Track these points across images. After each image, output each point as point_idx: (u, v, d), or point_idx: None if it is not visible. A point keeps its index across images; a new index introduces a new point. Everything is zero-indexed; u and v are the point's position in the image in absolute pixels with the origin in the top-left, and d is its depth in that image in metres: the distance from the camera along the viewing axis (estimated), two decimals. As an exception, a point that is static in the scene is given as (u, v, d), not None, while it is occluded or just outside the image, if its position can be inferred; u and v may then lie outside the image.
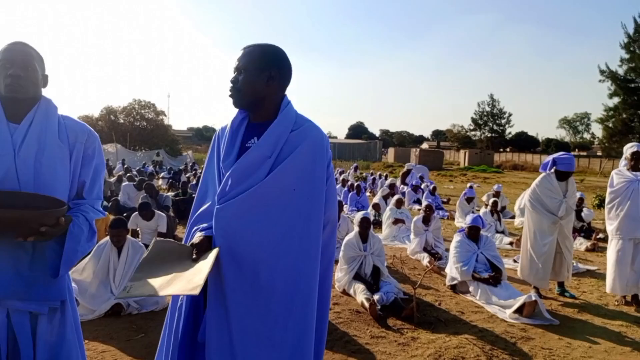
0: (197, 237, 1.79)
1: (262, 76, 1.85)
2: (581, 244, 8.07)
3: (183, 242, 1.89)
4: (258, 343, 1.75)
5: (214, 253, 1.68)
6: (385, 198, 10.90)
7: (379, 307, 4.46)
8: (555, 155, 5.34)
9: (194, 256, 1.71)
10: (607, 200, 5.13)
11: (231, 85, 1.87)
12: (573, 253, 5.51)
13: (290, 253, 1.79)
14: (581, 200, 9.03)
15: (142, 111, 36.97)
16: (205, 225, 1.85)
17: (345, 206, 11.75)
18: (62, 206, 1.65)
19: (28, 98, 1.77)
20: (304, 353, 1.80)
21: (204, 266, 1.61)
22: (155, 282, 1.59)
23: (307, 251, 1.82)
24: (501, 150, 55.23)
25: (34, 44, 1.80)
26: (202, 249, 1.73)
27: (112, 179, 13.60)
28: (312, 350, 1.84)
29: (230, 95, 1.88)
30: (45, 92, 1.88)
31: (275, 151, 1.81)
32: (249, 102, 1.88)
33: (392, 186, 12.96)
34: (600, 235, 8.56)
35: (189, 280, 1.56)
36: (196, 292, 1.50)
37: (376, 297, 4.59)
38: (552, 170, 5.22)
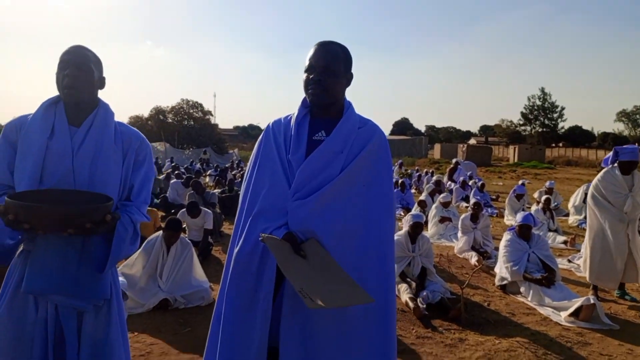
0: (285, 234, 1.79)
1: (344, 79, 1.93)
2: None
3: (243, 238, 1.87)
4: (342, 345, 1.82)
5: (319, 246, 1.76)
6: (432, 195, 10.66)
7: (424, 306, 4.35)
8: (617, 147, 5.05)
9: (302, 252, 1.74)
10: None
11: (316, 83, 1.86)
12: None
13: (372, 247, 1.86)
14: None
15: (190, 111, 37.97)
16: (277, 224, 1.82)
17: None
18: (108, 202, 1.69)
19: (86, 101, 1.84)
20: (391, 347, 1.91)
21: (341, 271, 1.70)
22: (320, 288, 1.62)
23: (386, 244, 1.91)
24: (553, 145, 53.01)
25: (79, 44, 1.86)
26: (296, 246, 1.76)
27: (162, 177, 14.02)
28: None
29: (314, 93, 1.86)
30: (100, 93, 1.95)
31: (347, 147, 1.86)
32: (331, 101, 1.91)
33: (438, 183, 12.68)
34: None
35: (349, 288, 1.66)
36: (373, 299, 1.65)
37: (421, 295, 4.48)
38: (615, 164, 4.94)
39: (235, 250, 1.90)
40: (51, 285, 1.73)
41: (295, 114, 1.96)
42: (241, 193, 2.04)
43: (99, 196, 1.74)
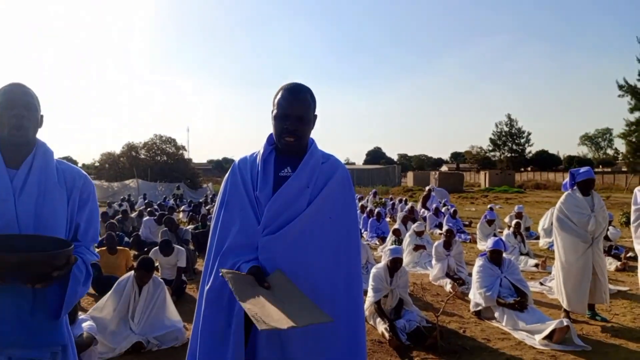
0: (250, 267, 1.82)
1: (313, 121, 2.02)
2: (610, 263, 7.79)
3: (213, 276, 1.90)
4: None
5: (287, 279, 1.78)
6: (404, 222, 10.77)
7: (405, 337, 4.34)
8: (572, 170, 5.28)
9: (265, 284, 1.76)
10: (632, 218, 4.94)
11: (291, 133, 1.93)
12: (607, 274, 5.32)
13: (341, 275, 1.94)
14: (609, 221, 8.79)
15: (163, 146, 37.64)
16: (246, 258, 1.86)
17: (365, 233, 11.67)
18: (69, 246, 1.64)
19: (27, 142, 1.79)
20: None
21: (301, 296, 1.72)
22: (276, 311, 1.63)
23: (354, 271, 2.00)
24: (522, 169, 54.48)
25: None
26: (261, 278, 1.78)
27: (134, 214, 13.77)
28: None
29: (289, 143, 1.94)
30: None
31: (312, 181, 1.93)
32: (303, 146, 2.00)
33: (411, 210, 12.83)
34: (630, 254, 8.29)
35: (306, 310, 1.67)
36: (329, 318, 1.66)
37: (399, 325, 4.47)
38: (575, 187, 5.14)
39: (206, 287, 1.93)
40: (5, 338, 1.65)
41: (261, 152, 2.02)
42: (210, 232, 2.07)
43: (50, 240, 1.68)
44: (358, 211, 13.91)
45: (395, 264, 5.01)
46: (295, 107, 1.92)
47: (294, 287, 1.76)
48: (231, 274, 1.74)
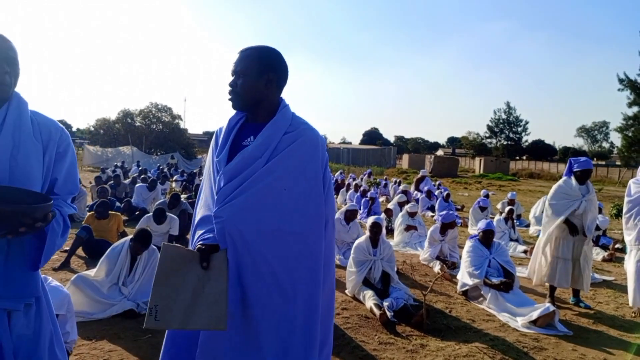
0: (199, 244, 1.80)
1: (261, 80, 1.89)
2: (598, 254, 7.89)
3: (192, 246, 1.90)
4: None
5: (224, 266, 1.73)
6: (401, 205, 10.80)
7: (391, 314, 4.39)
8: (572, 158, 5.38)
9: (204, 264, 1.72)
10: (624, 209, 5.02)
11: (230, 88, 1.92)
12: (591, 263, 5.42)
13: (290, 249, 1.83)
14: (599, 209, 8.87)
15: (159, 114, 37.29)
16: (207, 229, 1.86)
17: (358, 212, 11.70)
18: (49, 201, 1.61)
19: (7, 98, 1.72)
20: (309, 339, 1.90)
21: (221, 292, 1.68)
22: (179, 307, 1.65)
23: (308, 245, 1.88)
24: (517, 158, 54.55)
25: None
26: (206, 256, 1.74)
27: (127, 181, 13.71)
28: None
29: (230, 99, 1.93)
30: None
31: (267, 151, 1.84)
32: (249, 105, 1.92)
33: (405, 192, 12.85)
34: (618, 246, 8.39)
35: (211, 310, 1.66)
36: (222, 327, 1.64)
37: (386, 303, 4.53)
38: (572, 174, 5.27)
39: None
40: None
41: (229, 119, 2.01)
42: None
43: (27, 193, 1.64)
44: (351, 190, 13.92)
45: (373, 229, 5.17)
46: (234, 63, 1.92)
47: (225, 275, 1.72)
48: (172, 249, 1.74)
